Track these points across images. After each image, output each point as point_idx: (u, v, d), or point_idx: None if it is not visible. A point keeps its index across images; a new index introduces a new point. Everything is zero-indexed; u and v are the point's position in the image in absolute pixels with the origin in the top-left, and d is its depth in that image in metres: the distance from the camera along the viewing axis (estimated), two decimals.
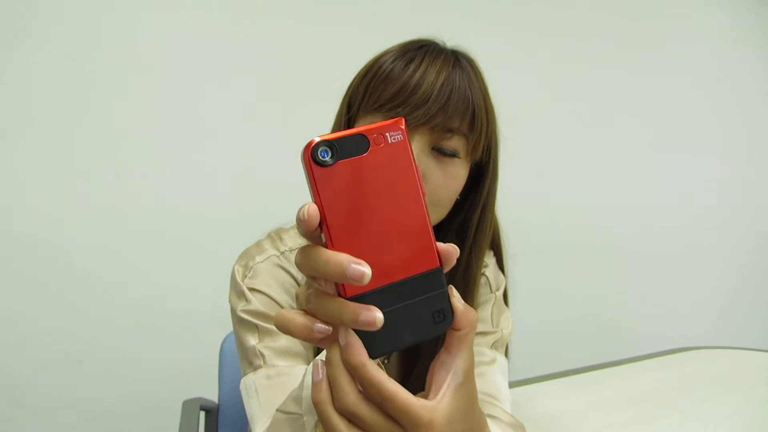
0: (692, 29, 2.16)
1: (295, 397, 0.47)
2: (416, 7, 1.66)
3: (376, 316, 0.31)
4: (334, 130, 0.66)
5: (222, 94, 1.49)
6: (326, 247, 0.32)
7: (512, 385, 0.78)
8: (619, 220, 2.09)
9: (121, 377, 1.44)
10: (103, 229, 1.40)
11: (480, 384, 0.65)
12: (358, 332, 0.33)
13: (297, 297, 0.36)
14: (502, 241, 0.77)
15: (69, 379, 1.40)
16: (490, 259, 0.76)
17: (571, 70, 1.94)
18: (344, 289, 0.32)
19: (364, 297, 0.32)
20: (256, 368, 0.63)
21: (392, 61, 0.59)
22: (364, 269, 0.30)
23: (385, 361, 0.74)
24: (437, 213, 0.62)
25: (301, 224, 0.31)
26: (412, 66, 0.57)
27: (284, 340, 0.65)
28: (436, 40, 0.64)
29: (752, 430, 0.83)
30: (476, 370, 0.66)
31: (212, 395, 1.01)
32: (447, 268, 0.35)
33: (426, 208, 0.35)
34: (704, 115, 2.20)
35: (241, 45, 1.50)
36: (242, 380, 0.65)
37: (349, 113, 0.64)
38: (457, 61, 0.60)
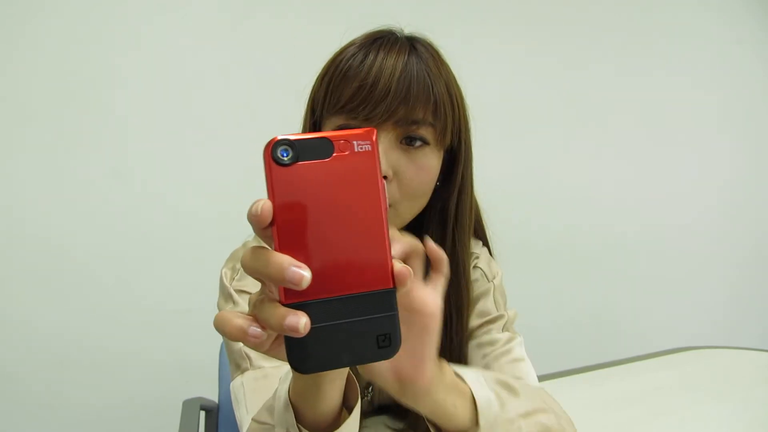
0: (692, 29, 2.16)
1: (269, 407, 0.46)
2: (418, 8, 1.65)
3: (299, 320, 0.29)
4: None
5: (222, 95, 1.48)
6: (274, 249, 0.31)
7: None
8: (619, 220, 2.09)
9: (121, 377, 1.44)
10: (103, 229, 1.40)
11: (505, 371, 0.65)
12: (290, 342, 0.31)
13: (249, 302, 0.35)
14: (485, 225, 0.75)
15: (69, 379, 1.40)
16: (480, 250, 0.74)
17: (572, 70, 1.94)
18: (284, 294, 0.31)
19: (303, 305, 0.31)
20: (243, 371, 0.62)
21: (348, 59, 0.58)
22: (303, 273, 0.29)
23: (369, 391, 0.73)
24: (416, 205, 0.61)
25: (253, 220, 0.30)
26: (368, 62, 0.56)
27: None
28: (393, 29, 0.62)
29: (752, 430, 0.83)
30: (495, 363, 0.66)
31: (212, 395, 1.01)
32: (401, 291, 0.33)
33: (386, 224, 0.32)
34: (704, 115, 2.20)
35: (241, 45, 1.50)
36: (231, 384, 0.64)
37: (313, 117, 0.63)
38: (413, 48, 0.59)
